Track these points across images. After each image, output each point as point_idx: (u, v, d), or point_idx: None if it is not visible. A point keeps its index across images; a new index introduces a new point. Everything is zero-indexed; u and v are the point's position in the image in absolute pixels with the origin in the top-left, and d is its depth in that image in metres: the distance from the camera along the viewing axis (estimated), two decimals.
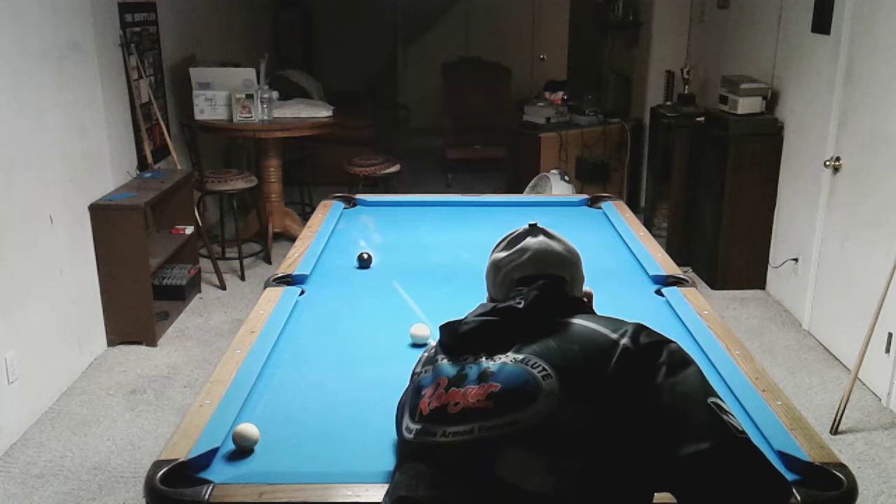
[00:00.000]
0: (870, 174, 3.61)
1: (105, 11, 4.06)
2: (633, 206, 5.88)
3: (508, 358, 1.27)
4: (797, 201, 4.34)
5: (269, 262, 5.20)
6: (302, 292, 2.38)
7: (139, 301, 3.94)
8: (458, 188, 6.73)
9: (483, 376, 1.26)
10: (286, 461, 1.55)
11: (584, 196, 3.46)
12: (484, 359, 1.30)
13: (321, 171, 6.12)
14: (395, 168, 5.56)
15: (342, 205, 3.30)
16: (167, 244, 4.33)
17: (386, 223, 3.20)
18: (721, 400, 1.20)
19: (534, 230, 1.50)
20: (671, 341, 1.25)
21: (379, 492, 1.43)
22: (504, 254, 1.48)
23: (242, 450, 1.56)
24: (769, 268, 4.69)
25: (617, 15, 6.49)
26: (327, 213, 3.16)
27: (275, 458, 1.55)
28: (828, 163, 3.90)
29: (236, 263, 5.00)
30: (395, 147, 7.15)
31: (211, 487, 1.42)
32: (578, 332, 1.28)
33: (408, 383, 1.46)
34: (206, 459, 1.51)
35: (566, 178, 5.30)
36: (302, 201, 6.08)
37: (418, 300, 2.36)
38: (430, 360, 1.40)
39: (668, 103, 5.52)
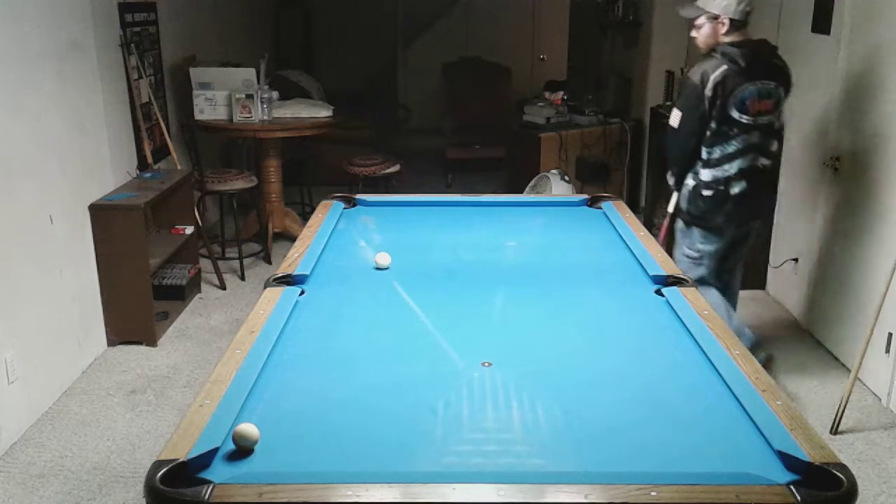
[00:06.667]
0: (870, 174, 3.61)
1: (105, 11, 4.06)
2: (633, 206, 5.88)
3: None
4: (797, 201, 4.35)
5: (269, 262, 5.20)
6: (302, 292, 2.37)
7: (139, 301, 3.94)
8: (459, 188, 6.73)
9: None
10: (286, 461, 1.55)
11: (584, 196, 3.45)
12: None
13: (321, 171, 6.12)
14: (395, 168, 5.56)
15: (342, 205, 3.29)
16: (167, 244, 4.33)
17: (386, 223, 3.20)
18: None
19: None
20: None
21: (379, 492, 1.43)
22: None
23: (242, 450, 1.56)
24: (769, 268, 4.69)
25: (617, 15, 6.49)
26: (327, 213, 3.15)
27: (275, 458, 1.55)
28: (828, 163, 3.90)
29: (236, 263, 5.00)
30: (395, 147, 7.15)
31: (211, 487, 1.42)
32: None
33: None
34: (206, 459, 1.51)
35: (566, 178, 5.29)
36: (302, 201, 6.08)
37: (418, 300, 2.36)
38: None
39: (668, 103, 5.52)
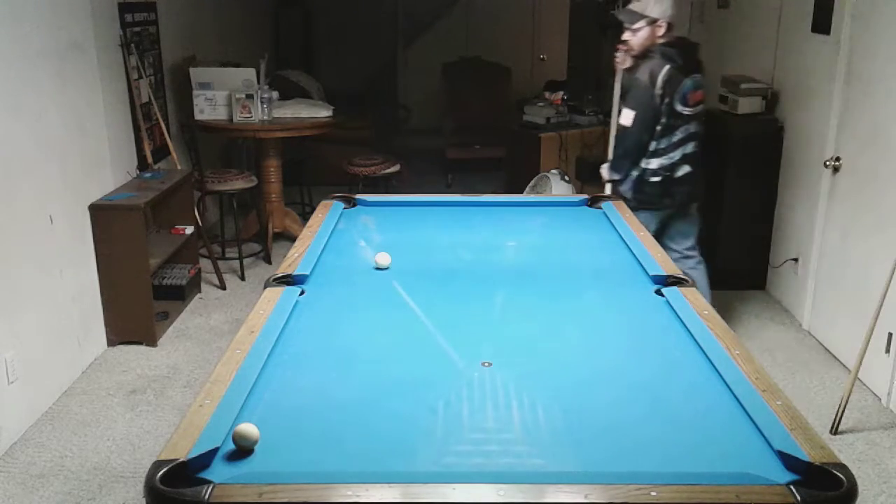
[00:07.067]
0: (870, 174, 3.61)
1: (105, 11, 4.06)
2: None
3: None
4: (797, 201, 4.35)
5: (269, 262, 5.20)
6: (302, 292, 2.37)
7: (139, 301, 3.94)
8: (459, 188, 6.73)
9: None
10: (286, 461, 1.55)
11: (584, 196, 3.46)
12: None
13: (321, 171, 6.12)
14: (395, 168, 5.56)
15: (342, 205, 3.29)
16: (167, 244, 4.33)
17: (386, 223, 3.20)
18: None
19: None
20: None
21: (379, 492, 1.43)
22: None
23: (242, 450, 1.56)
24: (769, 268, 4.69)
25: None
26: (327, 213, 3.15)
27: (275, 458, 1.55)
28: (828, 163, 3.90)
29: (236, 263, 5.00)
30: (395, 147, 7.15)
31: (211, 487, 1.42)
32: None
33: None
34: (206, 459, 1.51)
35: (566, 178, 5.29)
36: (302, 201, 6.08)
37: (418, 300, 2.36)
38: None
39: None
